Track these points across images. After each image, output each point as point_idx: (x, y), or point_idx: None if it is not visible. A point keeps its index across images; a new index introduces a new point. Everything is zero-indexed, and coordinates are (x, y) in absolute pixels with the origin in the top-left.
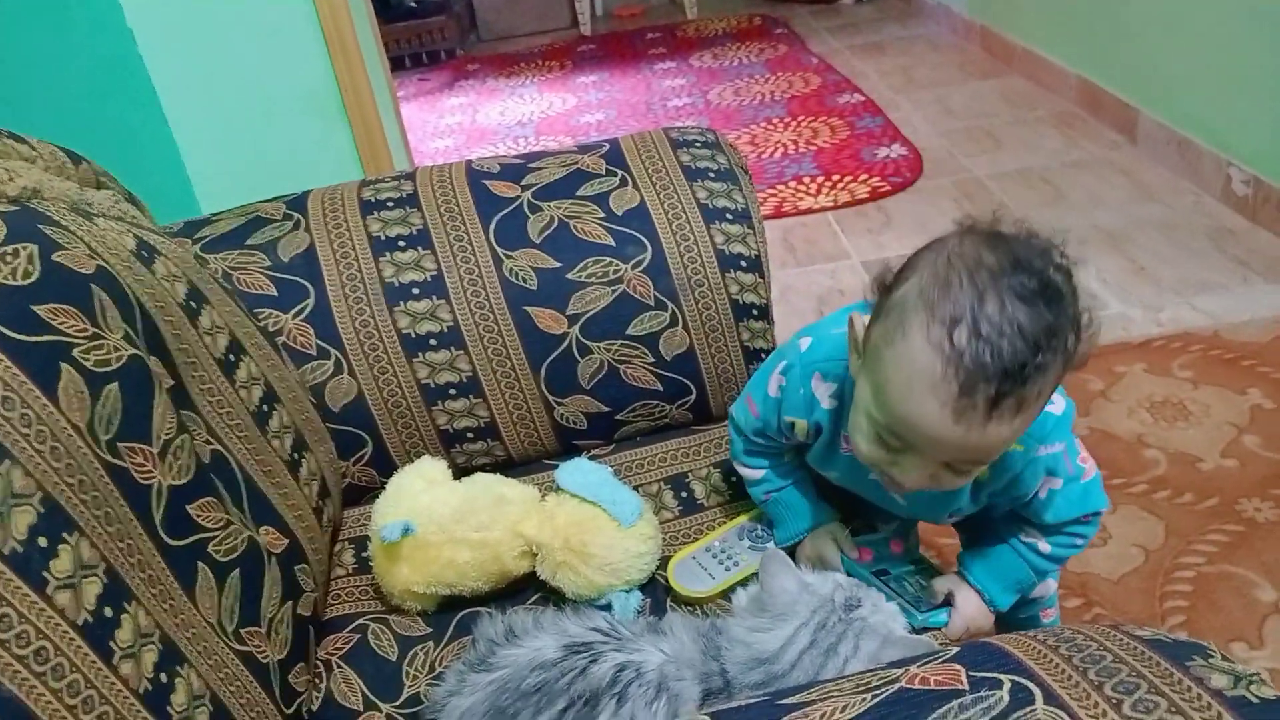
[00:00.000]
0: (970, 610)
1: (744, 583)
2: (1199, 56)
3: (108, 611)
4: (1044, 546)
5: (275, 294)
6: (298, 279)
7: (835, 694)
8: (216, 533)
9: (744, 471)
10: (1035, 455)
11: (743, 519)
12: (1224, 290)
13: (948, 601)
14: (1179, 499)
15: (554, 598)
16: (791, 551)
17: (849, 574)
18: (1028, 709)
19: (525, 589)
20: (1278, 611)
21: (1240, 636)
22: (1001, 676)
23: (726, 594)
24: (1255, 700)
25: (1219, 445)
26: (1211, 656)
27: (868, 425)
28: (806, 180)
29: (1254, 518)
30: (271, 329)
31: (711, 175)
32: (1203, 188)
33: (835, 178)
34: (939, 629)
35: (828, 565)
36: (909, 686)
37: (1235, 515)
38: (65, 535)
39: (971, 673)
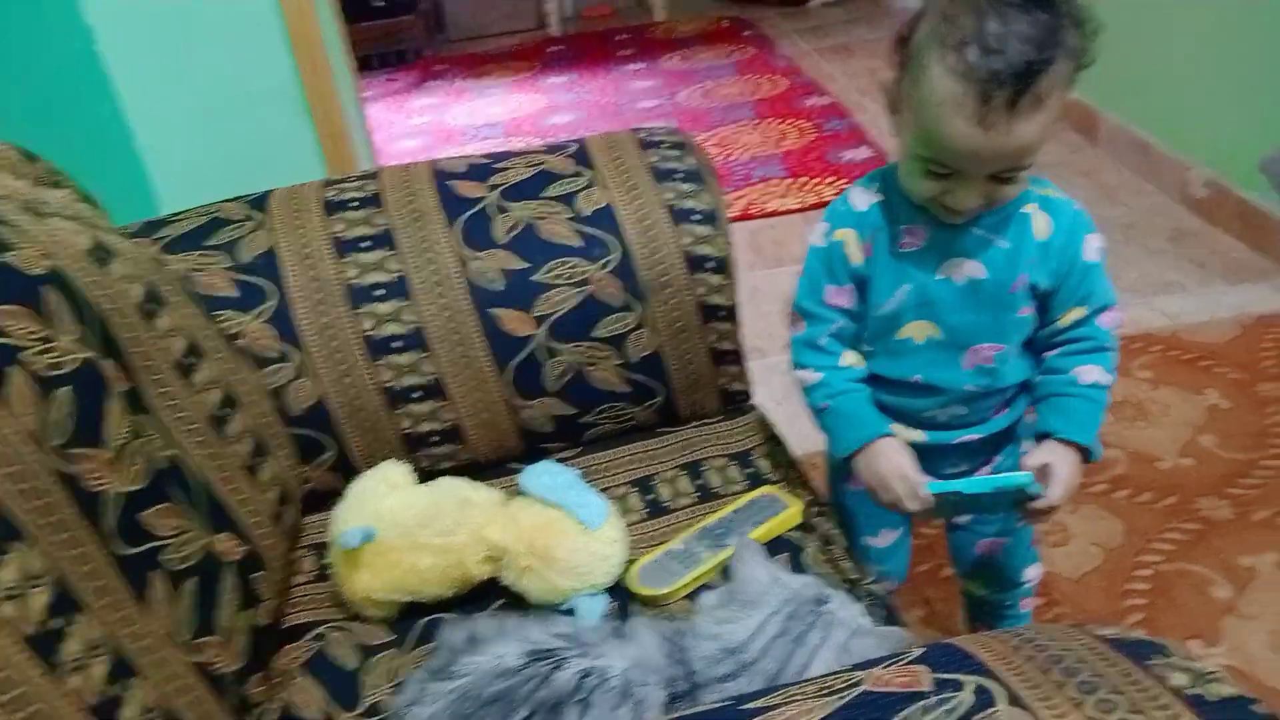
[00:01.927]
0: (1066, 471)
1: (708, 584)
2: (1160, 60)
3: (56, 623)
4: (1101, 374)
5: (236, 295)
6: (259, 280)
7: (798, 697)
8: (171, 540)
9: (801, 375)
10: (1078, 209)
11: (708, 520)
12: (1183, 291)
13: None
14: (1138, 498)
15: (517, 603)
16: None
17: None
18: (990, 710)
19: (488, 594)
20: (1234, 609)
21: (1198, 633)
22: (964, 678)
23: (690, 594)
24: (1213, 699)
25: (1178, 445)
26: (1171, 655)
27: (918, 165)
28: (774, 182)
29: (1211, 516)
30: (232, 331)
31: (679, 176)
32: (1163, 190)
33: (802, 180)
34: (1038, 495)
35: (907, 479)
36: (872, 690)
37: (1193, 514)
38: (14, 544)
39: (935, 674)
